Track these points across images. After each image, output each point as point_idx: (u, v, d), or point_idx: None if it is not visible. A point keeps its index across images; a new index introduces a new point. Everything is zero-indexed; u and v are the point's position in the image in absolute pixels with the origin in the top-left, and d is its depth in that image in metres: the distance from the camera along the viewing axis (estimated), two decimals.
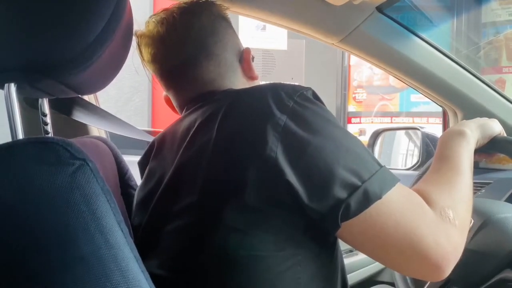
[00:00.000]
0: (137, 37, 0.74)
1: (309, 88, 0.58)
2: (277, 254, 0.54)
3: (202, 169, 0.57)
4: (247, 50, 0.75)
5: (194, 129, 0.61)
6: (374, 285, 1.38)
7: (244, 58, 0.75)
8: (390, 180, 0.55)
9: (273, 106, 0.55)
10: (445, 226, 0.55)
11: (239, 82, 0.73)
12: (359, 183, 0.52)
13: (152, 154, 0.73)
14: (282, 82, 0.63)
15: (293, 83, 0.60)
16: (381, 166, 0.55)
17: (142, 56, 0.76)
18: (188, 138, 0.61)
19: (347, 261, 1.44)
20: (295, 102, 0.55)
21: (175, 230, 0.59)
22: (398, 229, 0.53)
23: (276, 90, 0.57)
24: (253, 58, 0.77)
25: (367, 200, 0.52)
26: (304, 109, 0.55)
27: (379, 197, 0.52)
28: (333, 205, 0.52)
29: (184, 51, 0.71)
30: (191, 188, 0.57)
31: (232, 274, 0.55)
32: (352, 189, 0.52)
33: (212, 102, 0.63)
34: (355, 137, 0.58)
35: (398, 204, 0.54)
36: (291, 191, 0.52)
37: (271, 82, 0.64)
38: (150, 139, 0.82)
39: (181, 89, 0.74)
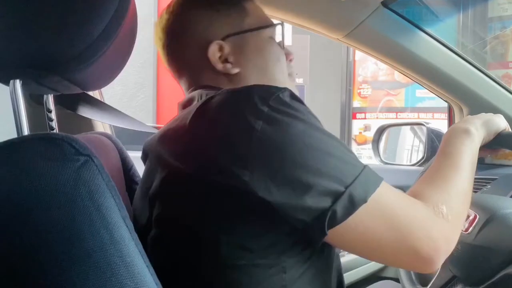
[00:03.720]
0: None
1: (285, 89, 0.55)
2: (258, 262, 0.53)
3: (174, 180, 0.56)
4: (213, 44, 0.69)
5: (169, 137, 0.61)
6: (379, 281, 1.38)
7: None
8: (374, 181, 0.53)
9: (246, 112, 0.52)
10: (436, 221, 0.55)
11: (219, 80, 0.70)
12: (343, 189, 0.50)
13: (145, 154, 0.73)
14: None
15: (268, 85, 0.57)
16: (363, 166, 0.54)
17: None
18: (162, 146, 0.61)
19: (350, 257, 1.44)
20: (270, 106, 0.52)
21: (153, 240, 0.58)
22: (388, 228, 0.53)
23: (249, 94, 0.54)
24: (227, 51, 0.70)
25: (353, 205, 0.50)
26: (280, 114, 0.52)
27: (365, 200, 0.51)
28: (318, 214, 0.50)
29: (168, 41, 0.72)
30: (164, 198, 0.57)
31: (212, 284, 0.54)
32: (337, 195, 0.50)
33: (192, 109, 0.60)
34: (335, 139, 0.55)
35: (385, 204, 0.53)
36: (269, 204, 0.50)
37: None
38: (152, 131, 0.82)
39: (181, 80, 0.75)
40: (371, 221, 0.52)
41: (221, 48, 0.69)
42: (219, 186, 0.51)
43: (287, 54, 0.74)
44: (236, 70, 0.69)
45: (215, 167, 0.51)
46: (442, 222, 0.56)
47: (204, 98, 0.60)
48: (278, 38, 0.75)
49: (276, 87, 0.55)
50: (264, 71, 0.71)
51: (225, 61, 0.69)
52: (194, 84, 0.71)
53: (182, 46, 0.71)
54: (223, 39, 0.69)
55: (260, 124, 0.51)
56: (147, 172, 0.66)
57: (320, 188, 0.50)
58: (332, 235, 0.51)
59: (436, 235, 0.54)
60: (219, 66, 0.69)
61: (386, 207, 0.53)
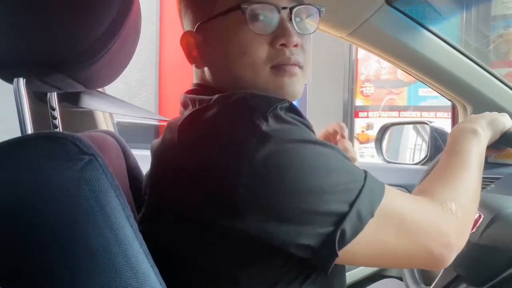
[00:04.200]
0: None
1: (284, 101, 0.50)
2: None
3: (162, 200, 0.55)
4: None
5: (165, 145, 0.59)
6: (382, 279, 1.37)
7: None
8: (378, 190, 0.51)
9: (240, 130, 0.48)
10: (446, 217, 0.55)
11: (202, 74, 0.64)
12: (348, 208, 0.47)
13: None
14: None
15: (265, 95, 0.53)
16: (365, 175, 0.51)
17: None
18: (158, 154, 0.60)
19: None
20: (266, 122, 0.47)
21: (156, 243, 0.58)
22: (398, 234, 0.51)
23: (245, 107, 0.49)
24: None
25: (361, 221, 0.48)
26: (276, 132, 0.47)
27: (372, 214, 0.49)
28: (326, 237, 0.47)
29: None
30: (152, 206, 0.57)
31: None
32: (343, 215, 0.47)
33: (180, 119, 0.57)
34: (333, 151, 0.51)
35: (393, 211, 0.51)
36: (266, 235, 0.47)
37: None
38: (157, 118, 0.80)
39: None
40: (381, 232, 0.50)
41: (193, 39, 0.62)
42: (205, 221, 0.49)
43: (277, 37, 0.58)
44: (201, 66, 0.62)
45: (203, 201, 0.48)
46: (451, 219, 0.55)
47: (190, 109, 0.57)
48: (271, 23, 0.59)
49: (274, 99, 0.50)
50: (223, 67, 0.60)
51: (197, 54, 0.62)
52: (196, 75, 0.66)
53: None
54: (196, 29, 0.62)
55: (254, 143, 0.46)
56: (150, 175, 0.65)
57: (325, 209, 0.47)
58: (343, 254, 0.48)
59: (446, 231, 0.54)
60: (191, 60, 0.63)
61: (394, 214, 0.51)
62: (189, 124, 0.53)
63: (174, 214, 0.53)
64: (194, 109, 0.57)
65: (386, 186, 0.53)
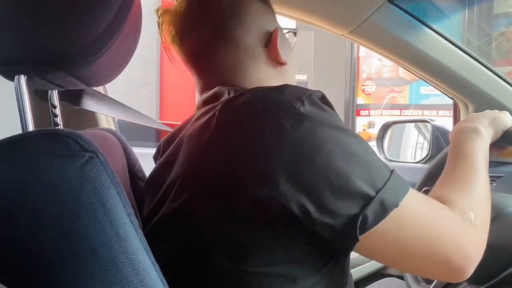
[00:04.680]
0: (159, 15, 0.69)
1: (318, 91, 0.54)
2: (268, 270, 0.52)
3: (195, 179, 0.55)
4: (276, 31, 0.67)
5: (191, 133, 0.59)
6: (383, 278, 1.37)
7: (271, 41, 0.67)
8: (404, 186, 0.52)
9: (277, 110, 0.50)
10: (466, 228, 0.54)
11: (261, 71, 0.67)
12: (374, 193, 0.49)
13: (160, 152, 0.72)
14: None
15: (301, 86, 0.56)
16: (391, 170, 0.53)
17: (162, 35, 0.70)
18: (184, 144, 0.60)
19: (354, 255, 1.43)
20: (303, 104, 0.50)
21: (163, 237, 0.57)
22: (418, 235, 0.51)
23: (281, 93, 0.52)
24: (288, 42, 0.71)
25: (384, 209, 0.49)
26: (312, 113, 0.50)
27: (396, 205, 0.50)
28: (349, 219, 0.48)
29: (199, 33, 0.66)
30: (182, 195, 0.55)
31: (218, 285, 0.53)
32: (368, 200, 0.48)
33: (216, 105, 0.59)
34: (365, 142, 0.54)
35: (415, 210, 0.52)
36: (296, 208, 0.48)
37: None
38: (158, 126, 0.81)
39: (199, 75, 0.70)
40: (400, 229, 0.50)
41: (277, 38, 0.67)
42: (240, 190, 0.50)
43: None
44: (286, 61, 0.68)
45: (239, 171, 0.50)
46: (471, 230, 0.54)
47: (232, 94, 0.59)
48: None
49: (303, 89, 0.53)
50: (294, 68, 0.72)
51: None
52: (226, 77, 0.66)
53: (231, 36, 0.66)
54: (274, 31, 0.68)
55: (291, 123, 0.49)
56: (161, 168, 0.65)
57: (351, 190, 0.48)
58: (362, 242, 0.49)
59: (467, 244, 0.53)
60: (277, 55, 0.67)
61: (415, 214, 0.51)
62: (227, 106, 0.55)
63: (209, 188, 0.53)
64: (230, 96, 0.59)
65: (411, 188, 0.53)
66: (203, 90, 0.69)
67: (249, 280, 0.52)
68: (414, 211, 0.51)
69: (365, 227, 0.49)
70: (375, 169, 0.51)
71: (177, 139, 0.65)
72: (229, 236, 0.51)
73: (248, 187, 0.49)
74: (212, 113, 0.56)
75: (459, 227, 0.54)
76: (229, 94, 0.62)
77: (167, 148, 0.67)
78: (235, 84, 0.65)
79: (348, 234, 0.49)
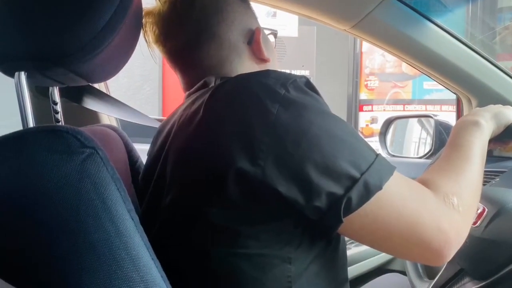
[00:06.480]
0: (143, 16, 0.71)
1: (302, 76, 0.55)
2: (263, 251, 0.53)
3: (185, 163, 0.56)
4: (258, 30, 0.70)
5: (180, 121, 0.60)
6: (385, 273, 1.37)
7: (254, 38, 0.69)
8: (388, 168, 0.53)
9: (263, 95, 0.51)
10: (447, 212, 0.55)
11: (245, 66, 0.69)
12: (358, 175, 0.50)
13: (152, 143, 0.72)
14: (291, 69, 0.61)
15: (286, 71, 0.57)
16: (376, 154, 0.54)
17: (146, 35, 0.72)
18: (173, 131, 0.60)
19: (357, 250, 1.43)
20: (287, 90, 0.52)
21: (160, 225, 0.58)
22: (400, 218, 0.52)
23: (267, 78, 0.53)
24: (270, 41, 0.73)
25: (368, 192, 0.50)
26: (297, 98, 0.52)
27: (380, 188, 0.51)
28: (333, 201, 0.50)
29: (184, 32, 0.68)
30: (174, 182, 0.57)
31: (216, 271, 0.54)
32: (352, 182, 0.50)
33: (204, 93, 0.60)
34: (350, 126, 0.56)
35: (398, 193, 0.53)
36: (283, 190, 0.50)
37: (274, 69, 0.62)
38: (158, 125, 0.81)
39: (184, 73, 0.72)
40: (382, 210, 0.52)
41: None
42: (229, 174, 0.51)
43: None
44: (269, 57, 0.71)
45: (228, 154, 0.51)
46: (452, 214, 0.55)
47: (218, 82, 0.60)
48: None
49: (288, 75, 0.55)
50: (276, 64, 0.74)
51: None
52: (213, 71, 0.68)
53: (215, 33, 0.68)
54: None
55: (276, 108, 0.50)
56: (153, 160, 0.66)
57: (336, 173, 0.50)
58: (346, 223, 0.51)
59: (446, 227, 0.54)
60: (260, 52, 0.70)
61: (397, 196, 0.53)
62: (215, 93, 0.56)
63: (198, 171, 0.54)
64: (217, 83, 0.61)
65: (396, 170, 0.54)
66: (189, 85, 0.70)
67: (245, 262, 0.53)
68: (396, 194, 0.53)
69: (349, 209, 0.50)
70: (360, 152, 0.52)
71: (167, 129, 0.66)
72: (222, 220, 0.52)
73: (236, 171, 0.50)
74: (201, 101, 0.57)
75: (440, 210, 0.54)
76: (215, 82, 0.64)
77: (158, 141, 0.68)
78: (222, 76, 0.67)
79: (332, 215, 0.50)
